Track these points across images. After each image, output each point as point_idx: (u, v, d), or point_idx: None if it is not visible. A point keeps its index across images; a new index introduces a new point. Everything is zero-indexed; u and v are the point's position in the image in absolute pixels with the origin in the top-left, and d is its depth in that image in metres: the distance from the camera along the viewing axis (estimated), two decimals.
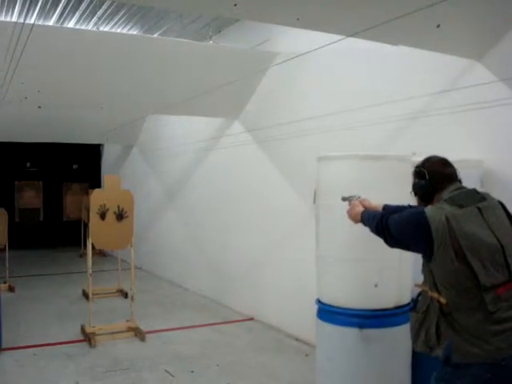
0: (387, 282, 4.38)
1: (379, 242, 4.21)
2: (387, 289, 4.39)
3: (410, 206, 3.61)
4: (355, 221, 3.73)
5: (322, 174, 4.70)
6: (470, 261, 2.89)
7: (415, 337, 3.18)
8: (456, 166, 3.35)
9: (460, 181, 3.26)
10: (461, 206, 3.02)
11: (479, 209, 3.04)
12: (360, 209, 3.70)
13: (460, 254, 2.90)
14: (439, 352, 2.99)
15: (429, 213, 3.02)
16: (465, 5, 4.12)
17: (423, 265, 3.17)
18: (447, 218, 2.94)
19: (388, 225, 3.24)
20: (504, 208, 3.18)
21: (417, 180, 3.31)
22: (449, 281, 2.96)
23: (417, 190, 3.33)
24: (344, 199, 4.00)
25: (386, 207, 3.79)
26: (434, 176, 3.22)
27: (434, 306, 3.02)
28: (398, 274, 4.42)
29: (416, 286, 3.30)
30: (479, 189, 3.31)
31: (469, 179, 3.64)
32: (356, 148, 5.79)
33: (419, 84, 5.64)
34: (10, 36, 5.69)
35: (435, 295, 3.01)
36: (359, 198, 3.88)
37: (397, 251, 4.37)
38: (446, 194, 3.13)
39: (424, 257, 3.10)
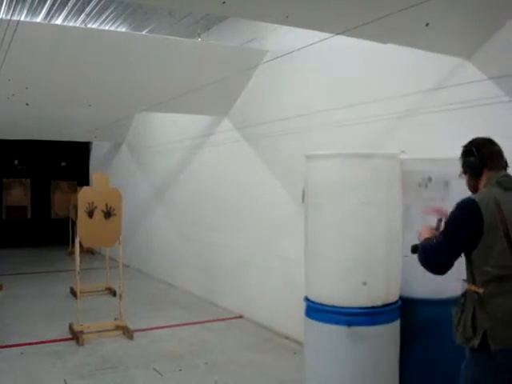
0: (376, 280, 4.39)
1: (367, 240, 4.24)
2: (375, 287, 4.39)
3: None
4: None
5: (311, 172, 4.70)
6: None
7: (455, 330, 3.30)
8: (444, 164, 3.44)
9: (506, 162, 3.43)
10: (507, 189, 3.23)
11: None
12: (425, 236, 3.65)
13: (506, 234, 3.09)
14: (475, 342, 3.10)
15: (477, 197, 3.21)
16: (454, 3, 4.14)
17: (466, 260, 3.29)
18: (495, 199, 3.14)
19: (435, 243, 3.34)
20: None
21: (466, 158, 3.45)
22: (493, 262, 3.10)
23: (466, 168, 3.46)
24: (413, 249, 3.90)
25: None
26: (482, 151, 3.38)
27: (472, 297, 3.17)
28: (387, 271, 4.43)
29: (463, 280, 3.38)
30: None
31: (457, 177, 3.66)
32: (345, 146, 5.81)
33: (408, 82, 5.65)
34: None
35: (472, 287, 3.17)
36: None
37: (383, 249, 4.42)
38: (494, 178, 3.29)
39: (470, 247, 3.18)
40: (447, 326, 4.37)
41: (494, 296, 3.09)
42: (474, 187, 3.43)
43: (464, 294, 3.26)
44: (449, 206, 3.69)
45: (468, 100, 4.94)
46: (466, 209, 3.21)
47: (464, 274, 3.31)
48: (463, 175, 3.51)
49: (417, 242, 3.58)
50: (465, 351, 3.27)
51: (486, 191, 3.25)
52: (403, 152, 4.80)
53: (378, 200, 4.44)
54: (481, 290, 3.12)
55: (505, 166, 3.41)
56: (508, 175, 3.35)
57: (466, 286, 3.25)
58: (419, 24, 4.37)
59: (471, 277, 3.21)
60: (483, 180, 3.36)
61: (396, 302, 4.53)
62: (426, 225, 3.65)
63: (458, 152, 3.51)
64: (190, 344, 7.34)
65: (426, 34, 4.65)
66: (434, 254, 3.34)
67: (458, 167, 3.55)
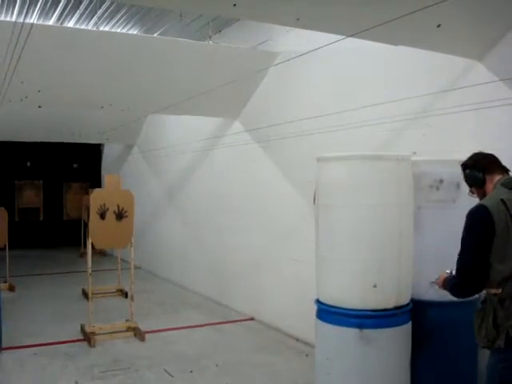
0: (387, 283, 4.37)
1: (378, 242, 4.24)
2: (386, 289, 4.38)
3: None
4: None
5: (322, 174, 4.69)
6: None
7: (477, 333, 3.35)
8: (455, 165, 3.54)
9: (506, 167, 3.55)
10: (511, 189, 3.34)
11: None
12: (441, 280, 3.68)
13: None
14: (500, 343, 3.17)
15: (484, 202, 3.33)
16: (465, 5, 4.11)
17: None
18: (502, 200, 3.24)
19: (457, 264, 3.36)
20: None
21: (466, 173, 3.61)
22: (508, 261, 3.19)
23: (470, 180, 3.61)
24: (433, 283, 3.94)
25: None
26: (477, 161, 3.54)
27: (491, 300, 3.24)
28: (398, 274, 4.41)
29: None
30: None
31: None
32: (356, 148, 5.80)
33: (420, 84, 5.64)
34: (10, 35, 5.68)
35: (491, 290, 3.23)
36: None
37: (394, 251, 4.41)
38: (499, 181, 3.42)
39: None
40: (458, 328, 4.38)
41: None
42: (482, 196, 3.53)
43: (484, 301, 3.31)
44: (460, 208, 3.69)
45: (479, 101, 4.92)
46: (477, 216, 3.29)
47: None
48: (471, 192, 3.65)
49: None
50: (480, 352, 3.30)
51: (493, 194, 3.35)
52: (414, 153, 4.79)
53: (389, 202, 4.42)
54: (499, 291, 3.19)
55: (506, 170, 3.53)
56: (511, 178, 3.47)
57: (484, 292, 3.30)
58: (431, 25, 4.36)
59: (488, 280, 3.24)
60: (489, 186, 3.47)
61: (407, 305, 4.52)
62: (443, 274, 3.67)
63: (469, 153, 3.59)
64: (201, 346, 7.36)
65: (438, 36, 4.64)
66: (462, 277, 3.35)
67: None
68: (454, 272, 3.43)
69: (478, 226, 3.27)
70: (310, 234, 4.99)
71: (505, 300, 3.17)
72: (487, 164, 3.51)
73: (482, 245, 3.23)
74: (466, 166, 3.60)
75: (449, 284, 3.50)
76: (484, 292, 3.31)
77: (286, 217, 7.84)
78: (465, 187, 3.78)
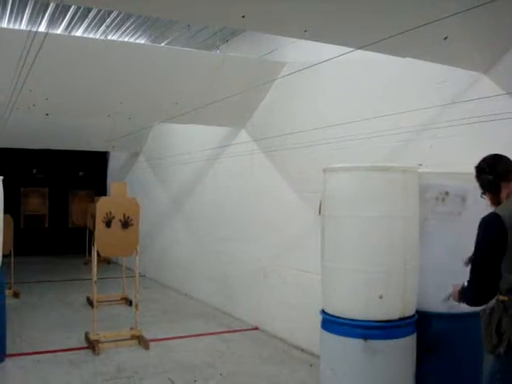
0: (392, 294, 4.38)
1: (384, 253, 4.25)
2: (392, 300, 4.39)
3: None
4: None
5: (328, 185, 4.71)
6: None
7: (483, 338, 3.36)
8: (461, 178, 3.52)
9: None
10: None
11: None
12: (456, 294, 3.69)
13: None
14: (501, 350, 3.18)
15: (498, 210, 3.31)
16: (472, 18, 4.14)
17: None
18: None
19: (470, 274, 3.38)
20: None
21: (481, 177, 3.55)
22: None
23: (484, 186, 3.56)
24: (447, 298, 3.96)
25: None
26: (494, 166, 3.49)
27: (499, 306, 3.24)
28: (403, 285, 4.42)
29: None
30: (485, 202, 3.53)
31: (475, 191, 3.67)
32: (362, 159, 5.81)
33: (426, 96, 5.65)
34: (23, 44, 5.72)
35: (499, 297, 3.24)
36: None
37: (400, 263, 4.41)
38: None
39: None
40: (463, 340, 4.39)
41: None
42: (497, 203, 3.49)
43: (492, 307, 3.30)
44: (465, 220, 3.70)
45: (486, 114, 4.93)
46: (490, 225, 3.28)
47: None
48: (484, 196, 3.59)
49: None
50: (484, 364, 3.30)
51: (508, 203, 3.34)
52: (420, 165, 4.81)
53: (394, 213, 4.44)
54: (506, 298, 3.20)
55: None
56: None
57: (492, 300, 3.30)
58: (437, 38, 4.39)
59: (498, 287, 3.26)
60: (504, 193, 3.43)
61: (412, 316, 4.52)
62: (456, 287, 3.67)
63: (475, 167, 3.56)
64: (205, 355, 7.35)
65: (444, 48, 4.66)
66: (474, 285, 3.36)
67: (475, 183, 3.58)
68: (465, 283, 3.44)
69: (489, 235, 3.27)
70: (316, 244, 5.00)
71: (510, 307, 3.18)
72: (504, 170, 3.46)
73: (495, 255, 3.23)
74: (481, 170, 3.53)
75: (463, 294, 3.51)
76: (491, 303, 3.32)
77: (291, 227, 7.85)
78: (470, 200, 3.80)
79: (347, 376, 4.44)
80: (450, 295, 3.81)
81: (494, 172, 3.46)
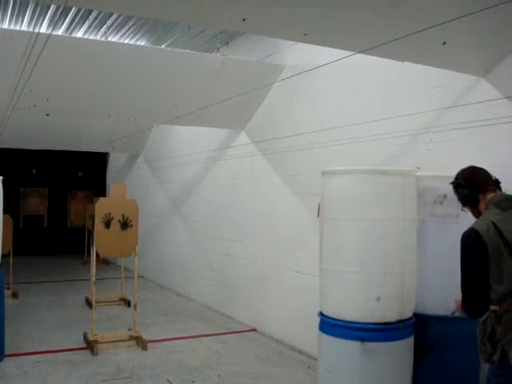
0: (390, 296, 4.40)
1: (382, 256, 4.27)
2: (390, 303, 4.41)
3: None
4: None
5: (327, 187, 4.73)
6: None
7: (479, 348, 3.38)
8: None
9: (498, 181, 3.58)
10: (504, 209, 3.35)
11: None
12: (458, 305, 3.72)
13: (510, 252, 3.21)
14: (496, 357, 3.21)
15: (475, 226, 3.32)
16: (470, 22, 4.16)
17: None
18: (493, 223, 3.25)
19: (461, 288, 3.39)
20: None
21: (459, 191, 3.62)
22: (505, 281, 3.21)
23: (463, 199, 3.63)
24: (453, 313, 3.95)
25: None
26: (470, 180, 3.56)
27: (491, 316, 3.26)
28: (401, 288, 4.44)
29: None
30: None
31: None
32: (361, 162, 5.84)
33: (425, 100, 5.68)
34: (23, 45, 5.74)
35: (492, 307, 3.26)
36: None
37: (398, 265, 4.44)
38: (492, 201, 3.44)
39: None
40: (460, 342, 4.41)
41: (509, 312, 3.19)
42: (477, 214, 3.57)
43: (485, 318, 3.33)
44: (463, 223, 3.71)
45: (484, 118, 4.96)
46: (468, 241, 3.32)
47: None
48: (464, 208, 3.67)
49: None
50: (481, 366, 3.34)
51: (485, 216, 3.38)
52: (418, 169, 4.83)
53: (393, 216, 4.46)
54: (497, 308, 3.22)
55: (498, 184, 3.57)
56: (504, 195, 3.51)
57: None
58: (436, 42, 4.41)
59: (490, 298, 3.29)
60: (482, 204, 3.50)
61: (410, 319, 4.54)
62: (458, 301, 3.65)
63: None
64: (203, 356, 7.36)
65: (443, 53, 4.68)
66: (466, 299, 3.39)
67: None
68: None
69: (470, 250, 3.33)
70: (314, 246, 5.03)
71: (502, 316, 3.21)
72: (480, 182, 3.53)
73: (478, 268, 3.28)
74: (458, 184, 3.62)
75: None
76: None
77: (289, 229, 7.87)
78: None
79: (345, 378, 4.46)
80: (455, 311, 3.83)
81: (471, 185, 3.53)
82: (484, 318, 3.33)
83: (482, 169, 3.61)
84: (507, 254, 3.21)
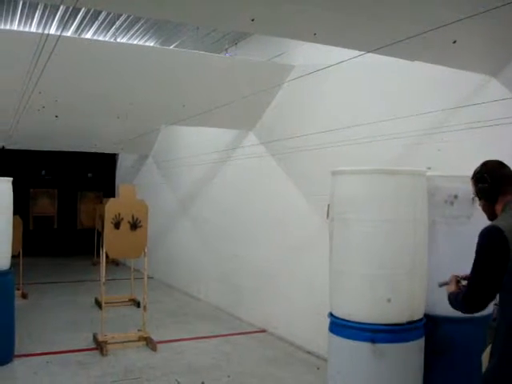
0: (400, 297, 4.37)
1: (392, 256, 4.24)
2: (400, 304, 4.38)
3: None
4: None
5: (337, 188, 4.70)
6: None
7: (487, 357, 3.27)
8: (470, 181, 3.44)
9: None
10: None
11: None
12: (452, 289, 3.66)
13: None
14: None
15: (499, 224, 3.10)
16: (481, 22, 4.14)
17: None
18: None
19: (468, 285, 3.28)
20: None
21: (480, 185, 3.40)
22: None
23: (481, 194, 3.42)
24: (441, 285, 3.94)
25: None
26: (495, 178, 3.33)
27: (499, 324, 3.13)
28: (412, 289, 4.41)
29: (496, 305, 3.36)
30: None
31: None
32: (371, 162, 5.81)
33: (435, 99, 5.65)
34: (33, 47, 5.76)
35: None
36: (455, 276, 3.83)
37: (408, 266, 4.40)
38: (510, 202, 3.24)
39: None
40: (471, 344, 4.37)
41: None
42: (490, 212, 3.38)
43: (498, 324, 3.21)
44: (474, 224, 3.68)
45: (494, 118, 4.92)
46: (491, 237, 3.11)
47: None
48: (477, 199, 3.49)
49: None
50: None
51: (508, 217, 3.16)
52: (429, 169, 4.80)
53: (403, 216, 4.43)
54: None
55: None
56: None
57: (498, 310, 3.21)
58: (447, 42, 4.39)
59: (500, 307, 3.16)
60: (499, 205, 3.30)
61: (421, 320, 4.51)
62: (454, 275, 3.62)
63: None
64: (212, 357, 7.36)
65: (453, 52, 4.66)
66: (471, 295, 3.25)
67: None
68: (462, 283, 3.42)
69: (490, 249, 3.12)
70: (324, 247, 5.00)
71: None
72: (505, 181, 3.32)
73: (494, 273, 3.10)
74: (481, 179, 3.38)
75: (455, 299, 3.42)
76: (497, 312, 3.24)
77: (299, 230, 7.85)
78: None
79: (355, 379, 4.43)
80: (447, 284, 3.79)
81: (494, 183, 3.32)
82: (496, 324, 3.19)
83: (507, 167, 3.39)
84: None
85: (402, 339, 4.36)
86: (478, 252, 3.17)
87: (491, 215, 3.37)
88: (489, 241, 3.13)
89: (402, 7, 3.86)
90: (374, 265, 4.38)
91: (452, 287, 3.55)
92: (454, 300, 3.42)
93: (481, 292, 3.17)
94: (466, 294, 3.25)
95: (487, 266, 3.14)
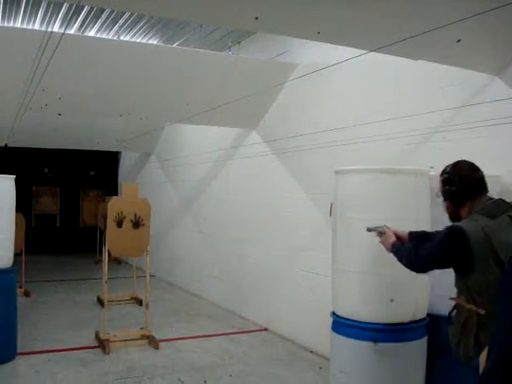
0: (403, 297, 4.37)
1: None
2: (403, 303, 4.38)
3: (436, 232, 3.65)
4: (388, 251, 3.77)
5: (340, 186, 4.70)
6: None
7: (456, 349, 3.27)
8: None
9: (486, 186, 3.32)
10: (493, 217, 3.10)
11: (510, 217, 3.12)
12: (392, 239, 3.72)
13: (499, 263, 2.99)
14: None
15: (466, 227, 3.08)
16: (485, 20, 4.12)
17: (457, 278, 3.26)
18: (484, 231, 3.02)
19: (419, 255, 3.37)
20: None
21: (447, 187, 3.35)
22: (489, 291, 3.02)
23: (447, 196, 3.38)
24: (369, 230, 4.01)
25: (411, 234, 3.86)
26: (464, 182, 3.27)
27: (473, 318, 3.11)
28: (414, 288, 4.41)
29: (451, 299, 3.35)
30: None
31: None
32: (374, 162, 5.80)
33: (438, 98, 5.64)
34: (36, 44, 5.76)
35: (473, 307, 3.10)
36: (385, 228, 3.91)
37: None
38: (478, 205, 3.20)
39: (460, 271, 3.19)
40: None
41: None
42: (454, 215, 3.35)
43: (462, 313, 3.21)
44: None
45: (498, 117, 4.91)
46: (453, 237, 3.14)
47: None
48: (441, 199, 3.46)
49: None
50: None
51: (473, 221, 3.13)
52: (432, 168, 4.79)
53: (406, 215, 4.43)
54: (482, 312, 3.07)
55: (486, 189, 3.32)
56: (492, 200, 3.26)
57: (463, 305, 3.20)
58: (450, 40, 4.37)
59: (470, 297, 3.14)
60: (466, 209, 3.27)
61: (423, 319, 4.51)
62: (392, 230, 3.78)
63: (487, 169, 3.46)
64: (215, 355, 7.36)
65: (457, 51, 4.65)
66: (418, 263, 3.43)
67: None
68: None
69: (450, 247, 3.17)
70: (327, 246, 5.00)
71: (486, 323, 3.05)
72: (474, 186, 3.26)
73: (443, 264, 3.27)
74: (449, 181, 3.33)
75: (398, 252, 3.61)
76: (460, 305, 3.26)
77: (302, 229, 7.85)
78: None
79: (357, 379, 4.43)
80: (379, 231, 3.86)
81: (463, 188, 3.26)
82: (463, 319, 3.18)
83: (480, 171, 3.31)
84: (494, 265, 3.00)
85: (404, 339, 4.37)
86: (438, 243, 3.25)
87: (454, 218, 3.34)
88: (450, 239, 3.17)
89: (405, 6, 3.84)
90: (376, 264, 4.37)
91: (392, 238, 3.76)
92: (404, 251, 3.56)
93: (426, 267, 3.46)
94: (416, 260, 3.40)
95: (440, 260, 3.27)
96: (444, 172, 3.41)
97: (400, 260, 3.58)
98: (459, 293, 3.24)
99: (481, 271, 3.04)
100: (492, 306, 2.99)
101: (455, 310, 3.31)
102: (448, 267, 3.26)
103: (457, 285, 3.27)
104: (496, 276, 2.99)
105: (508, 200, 3.31)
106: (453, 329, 3.29)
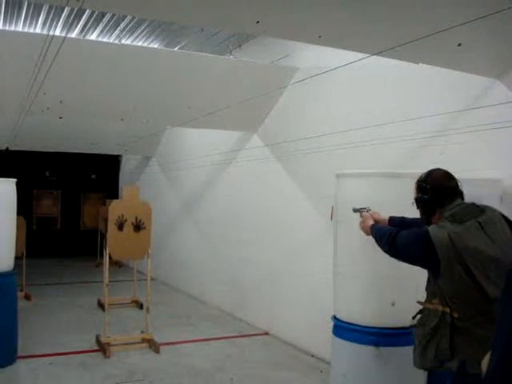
0: (404, 301, 4.36)
1: (397, 260, 4.20)
2: (404, 307, 4.36)
3: (416, 221, 3.67)
4: (366, 234, 3.81)
5: (341, 190, 4.71)
6: (476, 275, 2.98)
7: (422, 353, 3.24)
8: (475, 184, 3.40)
9: (461, 193, 3.32)
10: (461, 222, 3.10)
11: (479, 223, 3.11)
12: (370, 222, 3.77)
13: (466, 269, 2.99)
14: (452, 365, 3.06)
15: (432, 233, 3.10)
16: (486, 25, 4.12)
17: (428, 281, 3.28)
18: (450, 237, 3.03)
19: (396, 241, 3.35)
20: (506, 219, 3.23)
21: (420, 195, 3.39)
22: (459, 295, 3.04)
23: (419, 204, 3.42)
24: (355, 210, 4.05)
25: (392, 220, 3.89)
26: (437, 191, 3.28)
27: (446, 321, 3.09)
28: (416, 292, 4.39)
29: (419, 303, 3.37)
30: (498, 207, 3.36)
31: (488, 198, 3.64)
32: (375, 165, 5.80)
33: (439, 102, 5.64)
34: (38, 48, 5.76)
35: (447, 310, 3.08)
36: (369, 210, 3.96)
37: (415, 269, 4.38)
38: (447, 211, 3.20)
39: (432, 273, 3.20)
40: None
41: (470, 323, 3.04)
42: (425, 222, 3.38)
43: (434, 316, 3.18)
44: None
45: (499, 121, 4.90)
46: (420, 240, 3.16)
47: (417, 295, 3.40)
48: (415, 206, 3.50)
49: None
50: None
51: (440, 227, 3.14)
52: None
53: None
54: (456, 315, 3.06)
55: (461, 194, 3.33)
56: (460, 203, 3.26)
57: (434, 308, 3.18)
58: (451, 44, 4.37)
59: (443, 299, 3.12)
60: (436, 217, 3.30)
61: None
62: (372, 213, 3.84)
63: (488, 172, 3.47)
64: (215, 359, 7.35)
65: (458, 54, 4.64)
66: (394, 248, 3.41)
67: (487, 189, 3.51)
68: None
69: (415, 248, 3.25)
70: (328, 249, 5.00)
71: (462, 327, 3.05)
72: (446, 196, 3.26)
73: (413, 261, 3.34)
74: (422, 189, 3.34)
75: (377, 236, 3.62)
76: (426, 308, 3.27)
77: (303, 232, 7.84)
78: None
79: (358, 382, 4.43)
80: (362, 212, 3.91)
81: (434, 197, 3.28)
82: (433, 324, 3.15)
83: (454, 179, 3.32)
84: (461, 270, 3.00)
85: (406, 343, 4.35)
86: (412, 239, 3.27)
87: (426, 222, 3.38)
88: (417, 240, 3.21)
89: (407, 10, 3.84)
90: (377, 268, 4.37)
91: (369, 221, 3.81)
92: (382, 235, 3.54)
93: (402, 255, 3.40)
94: (393, 245, 3.37)
95: (410, 255, 3.32)
96: (418, 180, 3.43)
97: (380, 243, 3.57)
98: (432, 296, 3.23)
99: (448, 276, 3.05)
100: (466, 309, 3.02)
101: (419, 315, 3.33)
102: (417, 265, 3.34)
103: (428, 288, 3.30)
104: (465, 284, 3.00)
105: (501, 208, 3.35)
106: (420, 331, 3.27)
